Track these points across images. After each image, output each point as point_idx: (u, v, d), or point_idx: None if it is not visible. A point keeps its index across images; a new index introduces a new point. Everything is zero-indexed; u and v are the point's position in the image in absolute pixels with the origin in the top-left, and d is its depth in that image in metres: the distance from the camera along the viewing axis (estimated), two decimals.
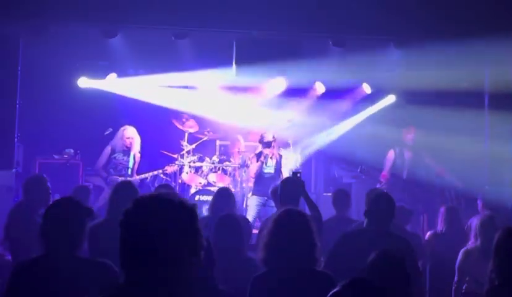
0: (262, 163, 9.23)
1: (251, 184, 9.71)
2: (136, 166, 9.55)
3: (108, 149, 9.44)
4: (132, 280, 2.09)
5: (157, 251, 2.05)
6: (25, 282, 3.36)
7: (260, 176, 9.26)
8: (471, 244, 5.86)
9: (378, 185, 9.40)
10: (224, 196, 6.39)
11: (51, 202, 6.06)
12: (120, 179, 8.66)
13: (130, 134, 9.47)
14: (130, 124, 9.60)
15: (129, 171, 9.42)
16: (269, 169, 9.28)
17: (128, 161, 9.45)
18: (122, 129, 9.53)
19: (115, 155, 9.41)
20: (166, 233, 2.06)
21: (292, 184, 5.97)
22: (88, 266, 3.43)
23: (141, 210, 2.11)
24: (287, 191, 5.83)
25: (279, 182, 6.55)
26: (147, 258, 2.06)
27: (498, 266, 3.75)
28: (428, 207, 9.05)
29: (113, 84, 10.53)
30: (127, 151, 9.42)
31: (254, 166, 9.29)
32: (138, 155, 9.55)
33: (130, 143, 9.42)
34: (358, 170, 9.32)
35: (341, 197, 7.15)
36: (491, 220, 5.81)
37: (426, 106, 10.42)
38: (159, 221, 2.07)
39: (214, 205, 6.28)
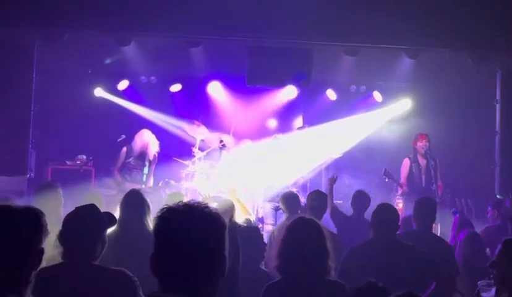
0: None
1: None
2: (152, 168, 9.36)
3: (124, 151, 9.21)
4: (164, 289, 2.10)
5: (190, 262, 2.07)
6: (42, 291, 3.36)
7: None
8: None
9: (399, 192, 9.41)
10: None
11: (62, 208, 6.16)
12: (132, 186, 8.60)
13: (146, 138, 9.23)
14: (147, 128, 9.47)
15: (144, 178, 9.22)
16: None
17: (143, 166, 9.23)
18: (139, 132, 9.33)
19: (130, 160, 9.19)
20: (195, 244, 2.08)
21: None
22: (105, 275, 3.43)
23: (174, 218, 2.12)
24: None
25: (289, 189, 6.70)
26: (180, 269, 2.08)
27: None
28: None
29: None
30: (143, 155, 9.20)
31: None
32: (154, 159, 9.34)
33: (146, 147, 9.20)
34: (382, 173, 9.27)
35: (361, 198, 7.24)
36: None
37: (436, 114, 10.46)
38: (195, 231, 2.09)
39: None
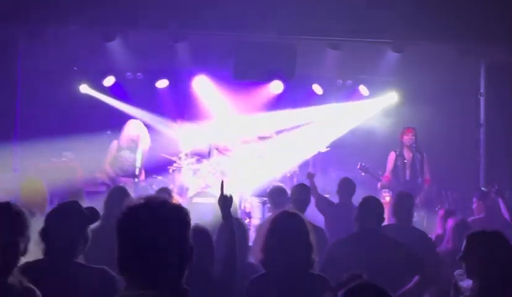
0: None
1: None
2: (143, 162, 8.93)
3: (114, 144, 8.90)
4: (131, 287, 2.12)
5: (146, 258, 2.09)
6: None
7: None
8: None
9: (378, 186, 9.41)
10: None
11: (47, 206, 6.13)
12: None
13: (136, 128, 8.92)
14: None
15: (137, 171, 8.74)
16: None
17: (135, 160, 8.76)
18: (127, 123, 9.03)
19: (121, 153, 8.85)
20: (156, 239, 2.09)
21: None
22: (86, 273, 3.40)
23: (133, 216, 2.14)
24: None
25: (277, 184, 6.76)
26: (138, 265, 2.10)
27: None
28: (427, 209, 9.06)
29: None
30: (133, 147, 8.81)
31: None
32: (145, 151, 8.97)
33: (137, 138, 8.80)
34: (358, 167, 9.26)
35: (347, 185, 7.30)
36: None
37: (423, 107, 10.50)
38: (150, 227, 2.10)
39: None
